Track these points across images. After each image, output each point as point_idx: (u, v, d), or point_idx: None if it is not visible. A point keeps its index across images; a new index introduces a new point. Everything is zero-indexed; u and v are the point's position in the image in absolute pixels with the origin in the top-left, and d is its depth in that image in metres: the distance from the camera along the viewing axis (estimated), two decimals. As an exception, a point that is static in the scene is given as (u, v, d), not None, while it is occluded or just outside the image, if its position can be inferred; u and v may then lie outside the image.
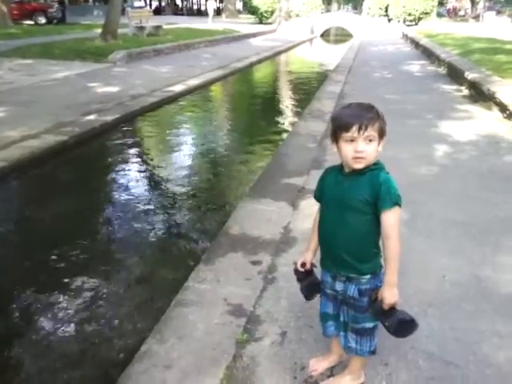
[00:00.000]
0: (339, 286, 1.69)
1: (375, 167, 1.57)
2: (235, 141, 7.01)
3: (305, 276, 1.83)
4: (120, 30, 15.78)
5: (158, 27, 18.95)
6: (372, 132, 1.52)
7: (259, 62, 15.98)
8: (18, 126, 6.08)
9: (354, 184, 1.58)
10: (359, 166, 1.55)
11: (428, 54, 14.24)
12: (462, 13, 45.24)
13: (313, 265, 1.82)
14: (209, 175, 5.50)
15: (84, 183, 5.04)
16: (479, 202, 3.72)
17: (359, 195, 1.56)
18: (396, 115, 6.18)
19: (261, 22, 35.50)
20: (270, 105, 9.96)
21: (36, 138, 5.74)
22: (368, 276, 1.64)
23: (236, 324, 2.26)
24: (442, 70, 11.21)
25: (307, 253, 1.82)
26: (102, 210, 4.46)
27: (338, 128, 1.56)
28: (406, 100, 7.55)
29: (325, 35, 32.39)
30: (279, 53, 19.50)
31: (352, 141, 1.53)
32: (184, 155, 6.22)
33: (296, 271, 1.85)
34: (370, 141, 1.53)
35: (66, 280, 3.20)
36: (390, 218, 1.52)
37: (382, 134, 1.55)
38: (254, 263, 2.85)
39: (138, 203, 4.48)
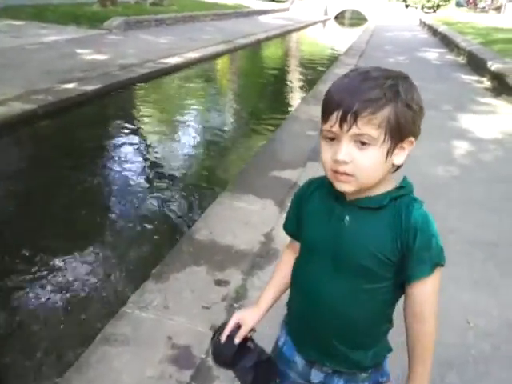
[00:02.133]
0: (317, 377, 0.99)
1: (400, 193, 0.87)
2: (224, 121, 6.29)
3: (240, 353, 0.99)
4: (122, -3, 14.95)
5: (164, -4, 18.00)
6: (367, 128, 0.79)
7: (267, 39, 15.11)
8: (-16, 90, 5.40)
9: (364, 224, 0.87)
10: (344, 188, 0.85)
11: (446, 42, 13.36)
12: (482, 5, 43.73)
13: (252, 331, 1.03)
14: (189, 161, 4.81)
15: (42, 160, 4.34)
16: (507, 215, 3.05)
17: (374, 248, 0.85)
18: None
19: (273, 0, 34.29)
20: (271, 85, 9.18)
21: (1, 105, 5.05)
22: (370, 370, 0.96)
23: (176, 379, 1.62)
24: (462, 60, 10.41)
25: (251, 313, 1.04)
26: (56, 191, 3.78)
27: (321, 113, 0.87)
28: (423, 88, 6.75)
29: (339, 17, 31.29)
30: (289, 32, 18.59)
31: (332, 139, 0.85)
32: (165, 133, 5.52)
33: (217, 344, 1.00)
34: (364, 144, 0.81)
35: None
36: (428, 289, 0.84)
37: (398, 132, 0.82)
38: (219, 283, 2.20)
39: (104, 186, 3.82)
